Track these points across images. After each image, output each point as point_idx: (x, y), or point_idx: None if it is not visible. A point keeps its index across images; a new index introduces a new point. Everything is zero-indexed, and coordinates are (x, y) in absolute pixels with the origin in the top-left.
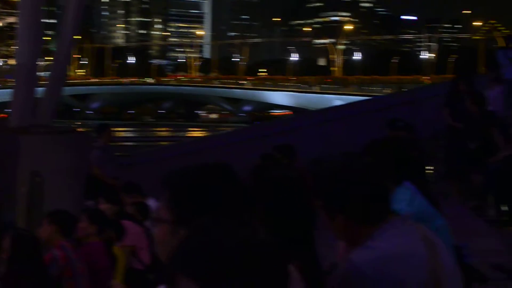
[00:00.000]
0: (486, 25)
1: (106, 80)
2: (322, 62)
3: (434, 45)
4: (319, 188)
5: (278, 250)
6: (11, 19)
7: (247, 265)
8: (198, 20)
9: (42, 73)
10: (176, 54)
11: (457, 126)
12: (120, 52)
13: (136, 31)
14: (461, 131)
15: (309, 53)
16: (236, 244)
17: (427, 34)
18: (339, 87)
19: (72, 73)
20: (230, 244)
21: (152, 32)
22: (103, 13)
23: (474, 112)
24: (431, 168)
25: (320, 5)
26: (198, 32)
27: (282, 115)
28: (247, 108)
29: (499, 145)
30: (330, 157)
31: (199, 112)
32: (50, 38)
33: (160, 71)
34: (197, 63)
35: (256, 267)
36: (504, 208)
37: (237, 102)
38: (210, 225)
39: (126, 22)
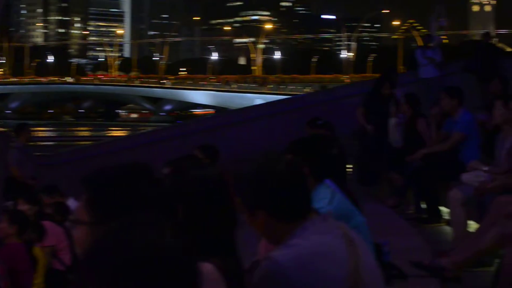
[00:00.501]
0: (405, 24)
1: (25, 79)
2: (242, 61)
3: (353, 44)
4: (240, 186)
5: (186, 253)
6: None
7: (152, 270)
8: (118, 19)
9: None
10: (96, 53)
11: (368, 129)
12: (39, 51)
13: (55, 30)
14: (371, 133)
15: (230, 52)
16: (142, 248)
17: (346, 33)
18: (259, 86)
19: None
20: (135, 248)
21: (72, 31)
22: (21, 11)
23: (406, 112)
24: (351, 166)
25: (240, 4)
26: (118, 31)
27: (204, 114)
28: (168, 107)
29: (426, 143)
30: (252, 156)
31: (120, 111)
32: None
33: (80, 70)
34: (117, 62)
35: (162, 271)
36: (423, 205)
37: (158, 101)
38: (117, 229)
39: (45, 21)
